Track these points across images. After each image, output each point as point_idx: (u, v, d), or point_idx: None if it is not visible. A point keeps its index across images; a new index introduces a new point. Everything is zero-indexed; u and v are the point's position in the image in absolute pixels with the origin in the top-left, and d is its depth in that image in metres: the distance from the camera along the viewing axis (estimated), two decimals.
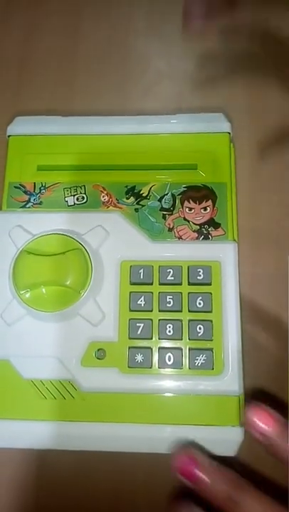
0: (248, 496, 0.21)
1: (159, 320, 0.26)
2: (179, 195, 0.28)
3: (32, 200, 0.29)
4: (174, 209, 0.28)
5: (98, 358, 0.26)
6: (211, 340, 0.25)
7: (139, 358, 0.25)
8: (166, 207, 0.28)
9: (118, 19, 0.36)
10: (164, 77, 0.34)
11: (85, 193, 0.28)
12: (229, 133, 0.29)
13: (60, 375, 0.25)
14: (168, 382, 0.25)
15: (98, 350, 0.26)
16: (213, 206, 0.28)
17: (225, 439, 0.24)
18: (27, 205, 0.28)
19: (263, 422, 0.21)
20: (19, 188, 0.29)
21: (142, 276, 0.26)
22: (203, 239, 0.27)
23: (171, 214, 0.28)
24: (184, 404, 0.25)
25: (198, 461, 0.22)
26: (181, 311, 0.26)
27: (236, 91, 0.33)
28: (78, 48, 0.35)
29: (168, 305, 0.26)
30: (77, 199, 0.28)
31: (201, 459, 0.22)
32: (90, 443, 0.25)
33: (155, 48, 0.35)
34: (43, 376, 0.25)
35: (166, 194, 0.28)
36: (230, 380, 0.25)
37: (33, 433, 0.25)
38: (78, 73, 0.35)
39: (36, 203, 0.28)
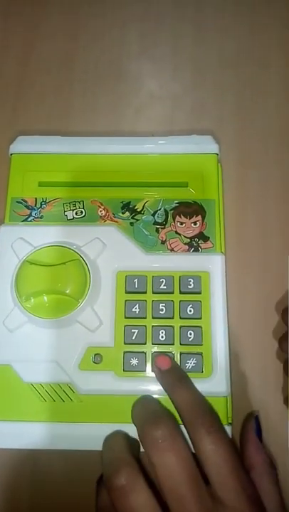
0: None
1: (153, 326, 0.27)
2: (171, 210, 0.30)
3: (33, 215, 0.30)
4: (166, 223, 0.30)
5: (95, 363, 0.27)
6: (201, 345, 0.27)
7: (134, 361, 0.27)
8: (159, 221, 0.30)
9: (112, 43, 0.38)
10: (156, 99, 0.36)
11: (83, 208, 0.30)
12: (217, 154, 0.31)
13: (59, 378, 0.27)
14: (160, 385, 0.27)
15: (95, 354, 0.27)
16: (203, 221, 0.30)
17: None
18: (28, 219, 0.30)
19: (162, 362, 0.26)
20: (21, 202, 0.31)
21: (136, 286, 0.28)
22: (193, 251, 0.29)
23: (164, 228, 0.30)
24: None
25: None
26: (172, 318, 0.28)
27: (223, 113, 0.35)
28: (74, 70, 0.37)
29: (161, 312, 0.28)
30: (76, 213, 0.30)
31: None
32: (87, 443, 0.26)
33: (147, 70, 0.37)
34: (42, 380, 0.27)
35: (159, 209, 0.30)
36: (218, 382, 0.26)
37: (33, 434, 0.26)
38: (74, 94, 0.37)
39: (37, 217, 0.30)
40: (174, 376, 0.26)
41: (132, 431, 0.26)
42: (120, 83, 0.37)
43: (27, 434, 0.26)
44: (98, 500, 0.24)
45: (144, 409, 0.25)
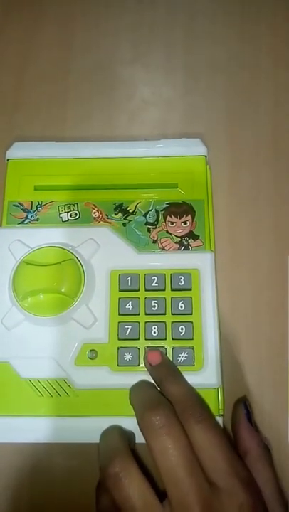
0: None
1: (145, 322, 0.29)
2: (162, 210, 0.31)
3: (29, 217, 0.31)
4: (157, 223, 0.31)
5: (90, 358, 0.28)
6: (192, 339, 0.28)
7: (128, 356, 0.28)
8: (151, 221, 0.31)
9: (106, 49, 0.39)
10: (149, 104, 0.37)
11: (77, 210, 0.31)
12: (205, 156, 0.32)
13: (56, 374, 0.28)
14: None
15: (90, 350, 0.28)
16: (192, 220, 0.31)
17: None
18: (25, 222, 0.31)
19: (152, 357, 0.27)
20: (18, 206, 0.32)
21: (129, 284, 0.29)
22: (183, 249, 0.30)
23: (155, 228, 0.31)
24: None
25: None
26: (164, 314, 0.29)
27: (214, 117, 0.36)
28: (69, 76, 0.38)
29: (153, 309, 0.29)
30: (71, 215, 0.31)
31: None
32: (85, 436, 0.27)
33: (140, 77, 0.38)
34: (40, 375, 0.28)
35: (151, 210, 0.31)
36: (209, 375, 0.27)
37: (32, 428, 0.27)
38: (69, 100, 0.38)
39: (33, 220, 0.31)
40: (165, 370, 0.27)
41: (127, 424, 0.27)
42: (114, 90, 0.38)
43: (26, 428, 0.27)
44: (98, 504, 0.25)
45: (142, 395, 0.26)
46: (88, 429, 0.27)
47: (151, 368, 0.27)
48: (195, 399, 0.25)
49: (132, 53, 0.39)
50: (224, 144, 0.35)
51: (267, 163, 0.35)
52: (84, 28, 0.40)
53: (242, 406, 0.27)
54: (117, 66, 0.39)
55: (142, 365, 0.28)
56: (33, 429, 0.27)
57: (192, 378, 0.27)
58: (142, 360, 0.28)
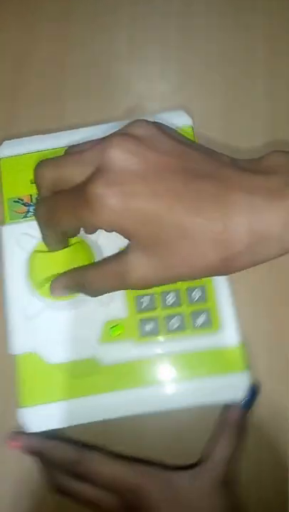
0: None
1: (160, 292, 0.30)
2: None
3: (31, 210, 0.32)
4: None
5: (111, 333, 0.29)
6: (207, 302, 0.29)
7: (148, 327, 0.29)
8: None
9: (102, 44, 0.40)
10: (144, 98, 0.38)
11: None
12: (192, 126, 0.33)
13: (83, 354, 0.29)
14: (175, 344, 0.29)
15: (112, 327, 0.29)
16: None
17: (232, 384, 0.29)
18: (28, 215, 0.32)
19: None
20: (18, 201, 0.33)
21: None
22: None
23: None
24: (193, 361, 0.29)
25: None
26: None
27: (211, 111, 0.37)
28: (66, 73, 0.39)
29: None
30: None
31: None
32: (115, 410, 0.28)
33: (135, 71, 0.39)
34: (68, 359, 0.29)
35: None
36: (228, 334, 0.29)
37: (65, 412, 0.28)
38: (66, 94, 0.38)
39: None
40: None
41: (154, 391, 0.28)
42: (109, 84, 0.39)
43: (60, 414, 0.28)
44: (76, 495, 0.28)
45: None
46: (119, 403, 0.28)
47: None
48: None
49: (128, 50, 0.40)
50: (220, 139, 0.36)
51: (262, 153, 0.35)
52: (80, 25, 0.40)
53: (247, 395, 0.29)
54: (112, 62, 0.39)
55: (162, 333, 0.29)
56: (67, 413, 0.28)
57: (213, 340, 0.28)
58: (161, 328, 0.29)
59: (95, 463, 0.28)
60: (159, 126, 0.23)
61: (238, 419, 0.30)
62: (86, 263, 0.29)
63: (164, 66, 0.39)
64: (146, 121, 0.24)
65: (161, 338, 0.29)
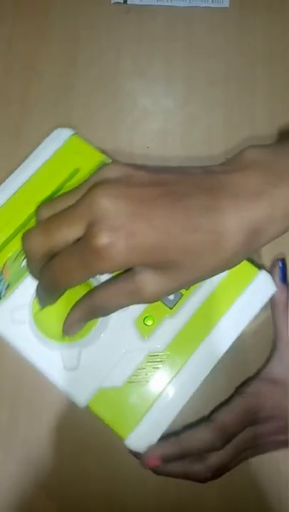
0: None
1: None
2: None
3: (2, 288, 0.32)
4: None
5: (147, 325, 0.30)
6: None
7: (171, 297, 0.31)
8: None
9: (108, 62, 0.41)
10: (150, 113, 0.40)
11: None
12: (76, 134, 0.36)
13: (138, 359, 0.30)
14: (198, 296, 0.31)
15: (144, 318, 0.30)
16: None
17: (260, 287, 0.31)
18: (1, 295, 0.31)
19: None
20: None
21: None
22: None
23: None
24: (220, 296, 0.31)
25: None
26: None
27: (214, 125, 0.39)
28: (74, 87, 0.41)
29: None
30: None
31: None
32: (193, 382, 0.29)
33: (141, 87, 0.41)
34: (130, 371, 0.29)
35: None
36: None
37: (159, 414, 0.29)
38: (73, 109, 0.40)
39: (7, 287, 0.32)
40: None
41: (209, 342, 0.30)
42: (116, 99, 0.40)
43: (156, 417, 0.29)
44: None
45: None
46: (192, 372, 0.30)
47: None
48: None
49: (133, 66, 0.41)
50: (222, 152, 0.38)
51: None
52: (87, 43, 0.42)
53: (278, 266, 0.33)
54: (119, 78, 0.41)
55: (184, 294, 0.31)
56: (162, 410, 0.29)
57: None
58: (182, 291, 0.31)
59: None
60: (127, 165, 0.25)
61: (285, 297, 0.33)
62: (86, 291, 0.29)
63: (169, 83, 0.41)
64: (115, 163, 0.25)
65: (184, 299, 0.31)
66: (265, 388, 0.31)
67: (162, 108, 0.41)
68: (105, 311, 0.27)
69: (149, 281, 0.24)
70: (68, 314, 0.28)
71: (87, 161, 0.34)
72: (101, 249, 0.22)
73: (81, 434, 0.33)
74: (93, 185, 0.24)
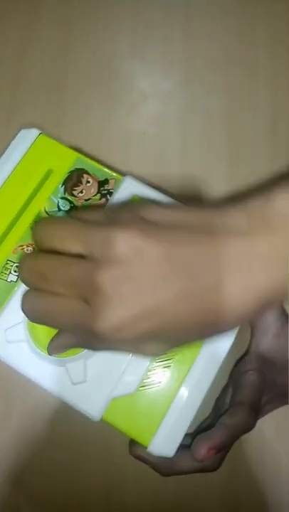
0: None
1: None
2: None
3: None
4: None
5: None
6: None
7: None
8: None
9: (104, 44, 0.39)
10: (147, 97, 0.38)
11: (14, 262, 0.30)
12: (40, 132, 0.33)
13: (142, 364, 0.28)
14: None
15: None
16: None
17: None
18: None
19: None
20: None
21: None
22: None
23: None
24: None
25: None
26: None
27: (214, 111, 0.37)
28: (68, 71, 0.39)
29: None
30: (15, 270, 0.30)
31: None
32: (207, 377, 0.29)
33: (138, 69, 0.39)
34: (142, 374, 0.28)
35: None
36: None
37: (177, 417, 0.28)
38: (67, 93, 0.38)
39: None
40: None
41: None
42: (113, 83, 0.39)
43: (175, 421, 0.27)
44: None
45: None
46: (202, 366, 0.29)
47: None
48: None
49: (131, 49, 0.40)
50: (222, 138, 0.37)
51: (266, 157, 0.36)
52: (83, 23, 0.40)
53: None
54: (115, 59, 0.39)
55: None
56: (181, 411, 0.28)
57: None
58: None
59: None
60: (140, 233, 0.22)
61: None
62: None
63: (167, 66, 0.39)
64: (128, 233, 0.22)
65: None
66: (261, 359, 0.31)
67: (159, 91, 0.39)
68: None
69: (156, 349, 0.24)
70: (54, 337, 0.26)
71: (60, 160, 0.32)
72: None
73: (80, 431, 0.32)
74: (101, 257, 0.22)
